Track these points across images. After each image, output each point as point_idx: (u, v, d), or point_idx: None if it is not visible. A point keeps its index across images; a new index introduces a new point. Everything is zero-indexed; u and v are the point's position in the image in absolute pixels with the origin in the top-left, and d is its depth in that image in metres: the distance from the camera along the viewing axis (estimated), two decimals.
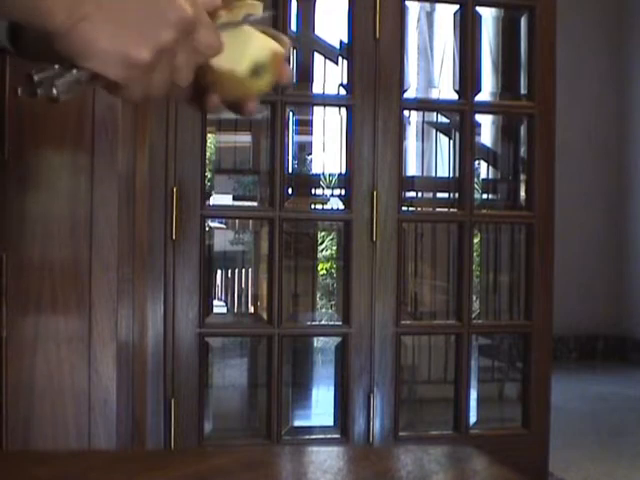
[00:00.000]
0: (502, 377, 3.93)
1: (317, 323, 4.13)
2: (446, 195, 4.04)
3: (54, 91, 0.75)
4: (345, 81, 3.14)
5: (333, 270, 5.38)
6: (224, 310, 4.84)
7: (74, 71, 0.76)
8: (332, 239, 5.37)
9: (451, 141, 4.11)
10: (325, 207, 4.47)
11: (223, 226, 4.20)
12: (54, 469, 0.98)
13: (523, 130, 3.40)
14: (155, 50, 0.76)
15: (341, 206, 3.22)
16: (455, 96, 3.27)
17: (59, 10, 0.73)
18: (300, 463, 1.10)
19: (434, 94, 4.56)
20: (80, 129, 2.20)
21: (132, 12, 0.77)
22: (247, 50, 0.85)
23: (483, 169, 4.41)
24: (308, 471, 1.06)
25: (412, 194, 4.32)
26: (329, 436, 3.10)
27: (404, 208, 3.18)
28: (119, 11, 0.76)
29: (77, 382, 2.23)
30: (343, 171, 3.17)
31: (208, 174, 3.27)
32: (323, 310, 5.06)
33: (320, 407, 3.75)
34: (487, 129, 4.22)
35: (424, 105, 3.99)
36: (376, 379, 3.05)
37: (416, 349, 3.90)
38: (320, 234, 5.14)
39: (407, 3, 3.18)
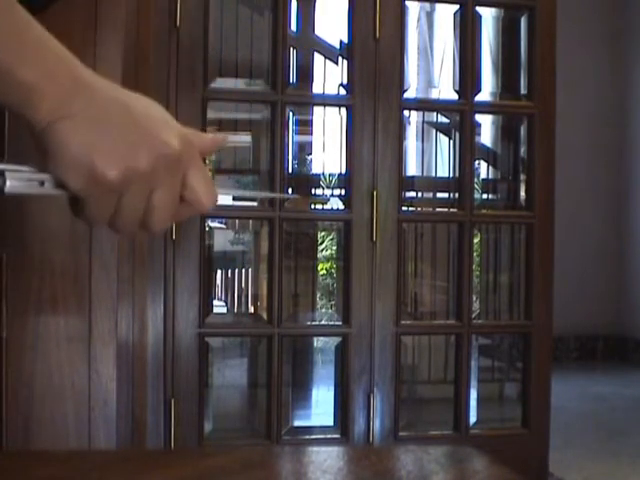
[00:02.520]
0: (502, 377, 3.93)
1: (317, 323, 4.12)
2: (446, 195, 4.03)
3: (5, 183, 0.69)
4: (345, 81, 3.14)
5: (333, 270, 5.37)
6: (224, 310, 4.83)
7: (38, 174, 0.70)
8: (332, 239, 5.36)
9: (451, 141, 4.10)
10: (325, 207, 4.47)
11: (223, 226, 4.20)
12: (54, 469, 0.98)
13: (523, 130, 3.39)
14: (125, 172, 0.70)
15: (341, 206, 3.22)
16: (455, 96, 3.27)
17: (47, 104, 0.68)
18: (300, 463, 1.10)
19: (434, 94, 4.55)
20: None
21: (118, 125, 0.71)
22: None
23: (483, 169, 4.40)
24: (308, 471, 1.06)
25: (412, 194, 4.31)
26: (329, 436, 3.10)
27: (404, 208, 3.18)
28: (106, 119, 0.70)
29: (77, 382, 2.23)
30: (343, 171, 3.17)
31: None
32: (323, 310, 5.05)
33: (320, 407, 3.74)
34: (487, 129, 4.22)
35: (424, 105, 3.99)
36: (376, 379, 3.05)
37: (416, 349, 3.90)
38: (320, 234, 5.14)
39: (407, 3, 3.18)
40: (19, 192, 0.71)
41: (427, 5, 4.21)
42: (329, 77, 4.20)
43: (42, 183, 0.71)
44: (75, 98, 0.69)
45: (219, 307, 4.73)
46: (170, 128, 0.74)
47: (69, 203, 0.73)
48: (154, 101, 0.76)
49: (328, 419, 3.20)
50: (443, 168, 4.53)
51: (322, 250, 5.53)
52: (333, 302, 4.92)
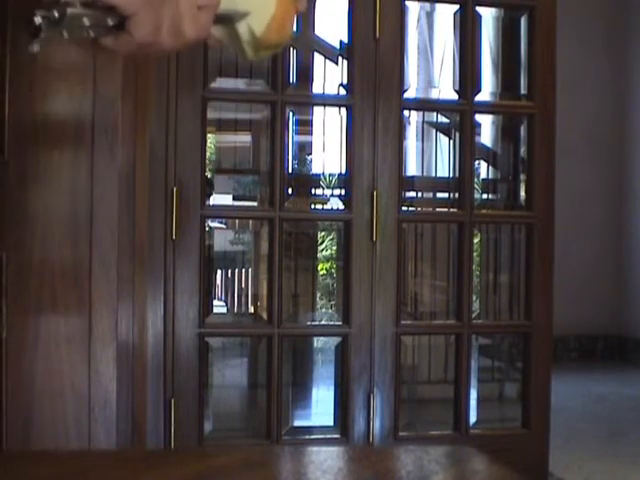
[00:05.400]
0: (502, 377, 3.93)
1: (317, 323, 4.12)
2: (446, 195, 4.03)
3: (64, 33, 0.74)
4: (345, 81, 3.14)
5: (333, 270, 5.38)
6: (224, 310, 4.84)
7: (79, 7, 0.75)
8: (332, 239, 5.36)
9: (451, 141, 4.10)
10: (325, 207, 4.47)
11: (223, 226, 4.20)
12: (54, 469, 0.98)
13: (523, 130, 3.39)
14: None
15: (341, 206, 3.22)
16: (455, 96, 3.27)
17: None
18: (300, 463, 1.10)
19: (434, 94, 4.55)
20: (80, 128, 2.19)
21: None
22: None
23: (483, 169, 4.40)
24: (308, 471, 1.06)
25: (412, 194, 4.31)
26: (329, 436, 3.09)
27: (404, 208, 3.18)
28: None
29: (77, 382, 2.22)
30: (343, 171, 3.17)
31: (208, 174, 3.27)
32: (323, 310, 5.06)
33: (320, 407, 3.74)
34: (487, 129, 4.22)
35: (424, 105, 3.99)
36: (376, 379, 3.05)
37: (416, 349, 3.90)
38: (320, 234, 5.14)
39: (407, 3, 3.18)
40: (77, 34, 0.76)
41: (427, 5, 4.21)
42: (329, 77, 4.20)
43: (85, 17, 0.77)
44: None
45: (219, 307, 4.73)
46: None
47: (117, 26, 0.79)
48: None
49: (328, 419, 3.20)
50: (443, 168, 4.53)
51: (322, 250, 5.53)
52: (333, 302, 4.92)
